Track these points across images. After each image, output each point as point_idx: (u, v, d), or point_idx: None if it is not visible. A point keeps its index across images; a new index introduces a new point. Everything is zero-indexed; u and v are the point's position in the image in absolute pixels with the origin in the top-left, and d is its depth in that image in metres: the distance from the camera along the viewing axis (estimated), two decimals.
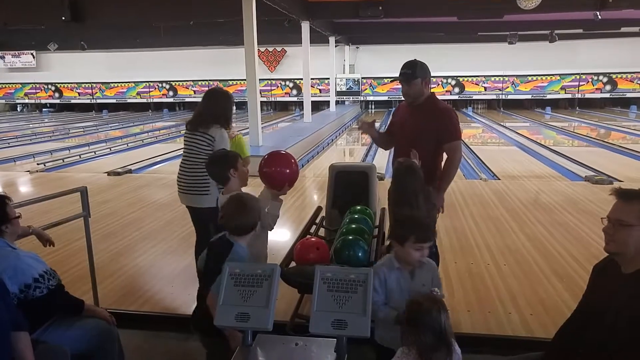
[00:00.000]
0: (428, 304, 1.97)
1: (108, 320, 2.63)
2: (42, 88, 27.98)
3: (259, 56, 10.77)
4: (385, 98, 24.21)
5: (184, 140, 3.82)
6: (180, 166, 3.82)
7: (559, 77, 23.34)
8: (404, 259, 2.37)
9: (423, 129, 3.39)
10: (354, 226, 3.41)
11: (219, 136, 3.64)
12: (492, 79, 23.58)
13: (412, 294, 2.26)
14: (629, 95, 23.02)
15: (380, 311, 2.32)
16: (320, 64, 20.20)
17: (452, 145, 3.40)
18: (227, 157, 3.03)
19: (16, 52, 27.14)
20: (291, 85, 25.37)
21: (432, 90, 3.54)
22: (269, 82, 25.32)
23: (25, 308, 2.31)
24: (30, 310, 2.34)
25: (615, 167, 9.28)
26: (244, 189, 3.02)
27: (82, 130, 18.83)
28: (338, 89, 23.68)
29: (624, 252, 1.83)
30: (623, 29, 18.13)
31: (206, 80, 26.13)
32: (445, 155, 3.52)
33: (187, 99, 26.68)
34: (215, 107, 3.74)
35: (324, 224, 4.22)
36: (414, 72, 3.35)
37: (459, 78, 23.70)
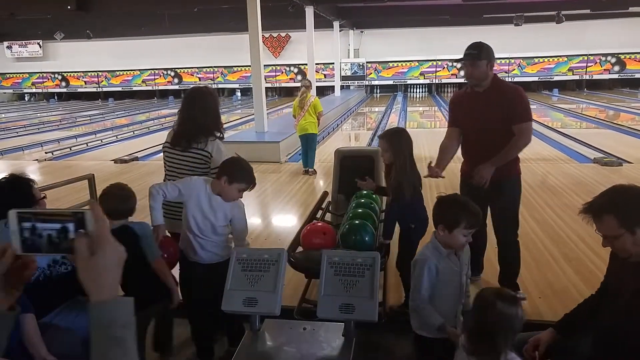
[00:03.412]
0: (494, 296, 1.81)
1: None
2: (49, 77, 28.06)
3: (263, 42, 10.71)
4: (391, 82, 23.29)
5: (172, 158, 3.14)
6: None
7: (566, 59, 23.06)
8: (449, 244, 2.26)
9: (493, 116, 3.17)
10: (360, 211, 3.40)
11: (216, 150, 3.03)
12: (498, 61, 23.13)
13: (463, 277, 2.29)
14: (638, 76, 22.73)
15: (426, 310, 2.23)
16: (324, 49, 20.04)
17: (521, 127, 3.18)
18: (228, 167, 2.71)
19: (23, 42, 27.15)
20: (296, 70, 25.24)
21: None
22: (274, 67, 25.21)
23: (49, 285, 2.37)
24: (53, 287, 2.39)
25: (624, 149, 9.18)
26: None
27: (88, 118, 18.88)
28: (343, 74, 23.49)
29: (630, 254, 1.89)
30: (631, 9, 17.81)
31: (211, 67, 26.10)
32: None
33: (192, 86, 26.66)
34: (206, 112, 3.14)
35: (330, 208, 4.22)
36: (479, 53, 3.13)
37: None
